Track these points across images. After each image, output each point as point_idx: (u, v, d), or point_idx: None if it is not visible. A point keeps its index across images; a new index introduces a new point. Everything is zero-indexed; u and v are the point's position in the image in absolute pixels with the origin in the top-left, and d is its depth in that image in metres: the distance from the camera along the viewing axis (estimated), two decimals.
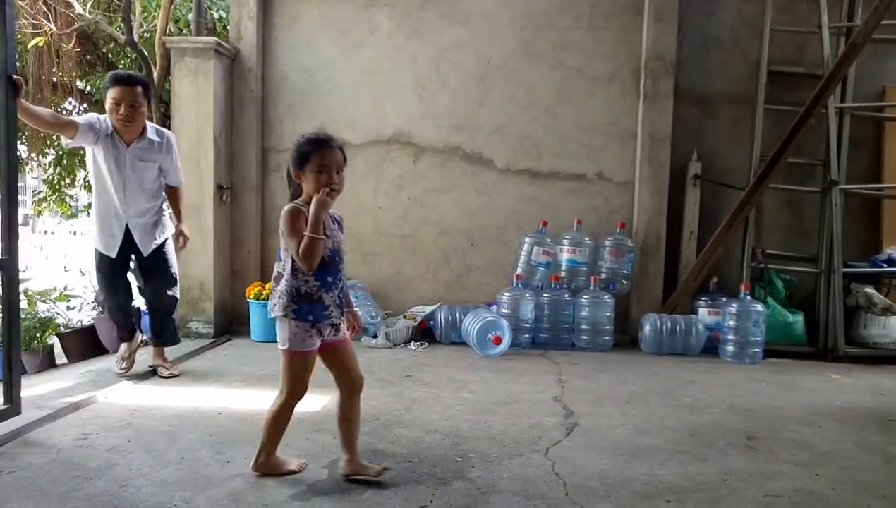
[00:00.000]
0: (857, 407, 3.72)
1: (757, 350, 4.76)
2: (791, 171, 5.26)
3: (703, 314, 5.03)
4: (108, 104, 3.64)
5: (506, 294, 5.03)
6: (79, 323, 5.54)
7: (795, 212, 5.47)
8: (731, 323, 4.79)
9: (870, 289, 5.09)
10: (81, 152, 7.27)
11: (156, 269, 3.98)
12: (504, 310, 5.02)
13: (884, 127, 5.42)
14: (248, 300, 5.07)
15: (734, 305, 4.79)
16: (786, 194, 5.38)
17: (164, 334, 4.09)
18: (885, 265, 5.11)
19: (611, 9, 5.35)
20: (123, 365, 4.00)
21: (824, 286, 5.17)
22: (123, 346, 4.06)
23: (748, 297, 4.83)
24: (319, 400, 3.50)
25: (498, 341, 4.61)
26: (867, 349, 5.00)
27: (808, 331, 5.14)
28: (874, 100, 5.42)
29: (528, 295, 5.00)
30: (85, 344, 5.30)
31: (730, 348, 4.80)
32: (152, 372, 4.03)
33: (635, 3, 5.32)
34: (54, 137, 6.94)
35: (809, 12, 5.27)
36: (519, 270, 5.16)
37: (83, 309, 5.73)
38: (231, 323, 5.36)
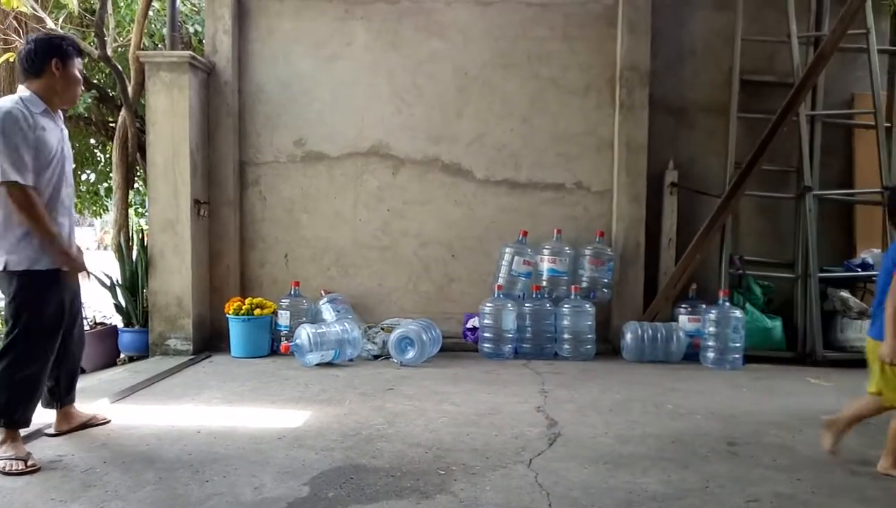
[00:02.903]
0: (836, 410, 3.72)
1: (737, 356, 4.80)
2: (765, 178, 5.34)
3: (684, 321, 5.06)
4: (67, 79, 2.87)
5: (487, 304, 5.03)
6: None
7: (771, 218, 5.55)
8: (711, 329, 4.83)
9: (845, 294, 5.16)
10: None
11: None
12: (486, 321, 5.02)
13: (854, 133, 5.53)
14: (227, 315, 5.01)
15: (714, 312, 4.83)
16: (761, 201, 5.45)
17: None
18: (859, 269, 5.20)
19: (585, 20, 5.41)
20: (31, 463, 2.72)
21: (801, 291, 5.25)
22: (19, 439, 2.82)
23: (727, 304, 4.88)
24: (300, 416, 3.46)
25: (286, 349, 4.65)
26: (845, 353, 5.06)
27: (787, 336, 5.19)
28: (843, 107, 5.54)
29: (509, 305, 5.00)
30: None
31: (710, 354, 4.84)
32: (132, 390, 3.95)
33: (609, 14, 5.38)
34: None
35: (779, 22, 5.38)
36: (500, 280, 5.16)
37: None
38: (210, 340, 5.29)
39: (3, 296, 2.96)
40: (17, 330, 2.78)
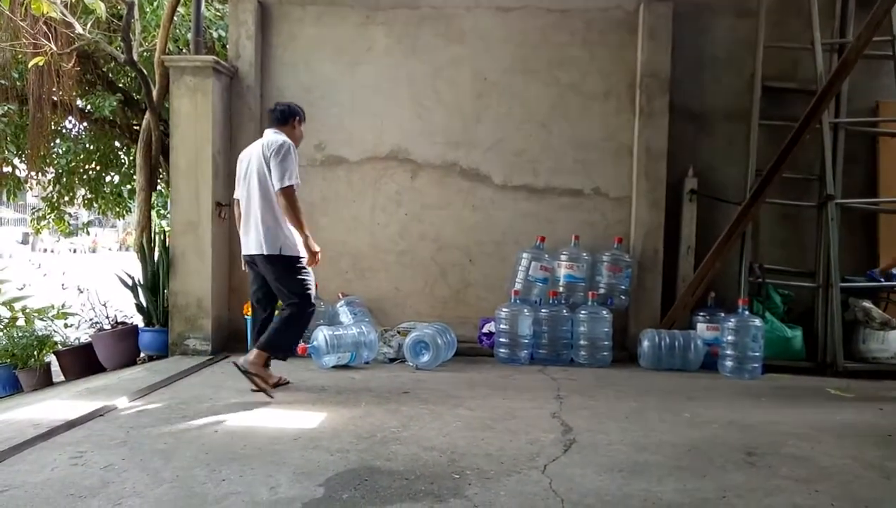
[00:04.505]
0: (856, 422, 3.70)
1: (756, 365, 4.75)
2: (787, 186, 5.28)
3: (702, 329, 5.02)
4: (299, 133, 4.13)
5: (504, 309, 5.03)
6: (76, 341, 5.54)
7: (792, 226, 5.48)
8: (730, 338, 4.78)
9: (868, 304, 5.09)
10: (80, 170, 7.36)
11: None
12: (502, 326, 5.02)
13: (878, 142, 5.45)
14: (245, 317, 5.06)
15: (732, 320, 4.78)
16: (782, 209, 5.39)
17: None
18: (882, 279, 5.12)
19: (605, 26, 5.41)
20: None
21: (822, 301, 5.17)
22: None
23: (746, 312, 4.82)
24: (316, 417, 3.49)
25: (303, 351, 4.68)
26: (866, 363, 4.99)
27: (807, 346, 5.13)
28: (867, 115, 5.46)
29: (526, 310, 4.99)
30: (82, 362, 5.30)
31: (728, 363, 4.79)
32: (151, 389, 4.02)
33: (630, 20, 5.37)
34: (53, 155, 6.99)
35: (802, 29, 5.33)
36: (517, 286, 5.16)
37: (81, 327, 5.73)
38: (228, 340, 5.35)
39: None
40: (299, 297, 3.91)
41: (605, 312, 5.03)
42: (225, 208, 5.30)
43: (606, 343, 5.01)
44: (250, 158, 3.99)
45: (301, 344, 4.81)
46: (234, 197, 4.15)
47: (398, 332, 5.16)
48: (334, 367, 4.69)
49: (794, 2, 5.38)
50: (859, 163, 5.44)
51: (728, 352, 4.79)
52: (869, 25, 4.72)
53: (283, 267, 3.92)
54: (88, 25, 5.71)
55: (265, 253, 3.89)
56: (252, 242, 3.96)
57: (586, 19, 5.42)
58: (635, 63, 5.34)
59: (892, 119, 5.24)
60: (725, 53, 5.48)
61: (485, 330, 5.30)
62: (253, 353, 3.90)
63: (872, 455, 3.10)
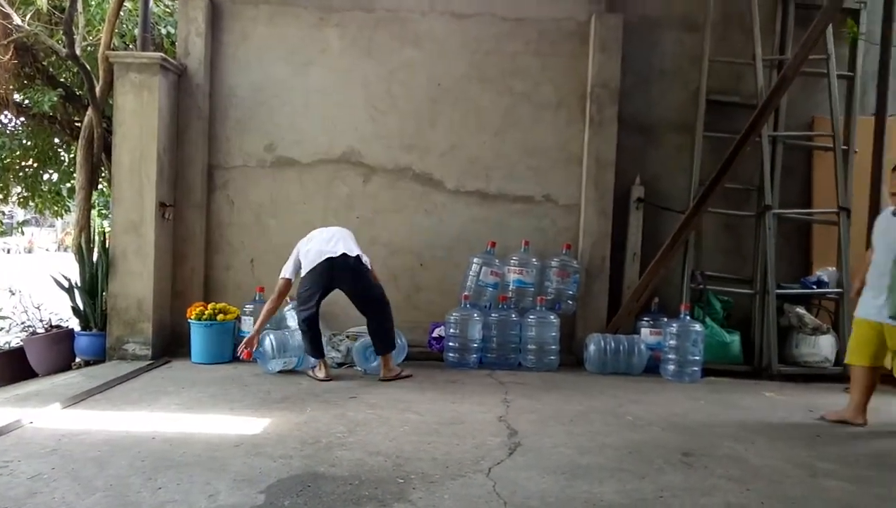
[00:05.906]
0: (788, 423, 3.86)
1: (696, 369, 4.89)
2: (728, 196, 5.46)
3: (646, 334, 5.14)
4: None
5: (454, 314, 5.04)
6: (7, 346, 5.29)
7: (733, 235, 5.67)
8: (672, 342, 4.91)
9: (801, 310, 5.30)
10: (16, 166, 7.06)
11: None
12: (452, 330, 5.03)
13: (813, 155, 5.69)
14: (188, 320, 4.93)
15: (675, 325, 4.92)
16: (723, 218, 5.57)
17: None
18: (815, 286, 5.35)
19: (558, 36, 5.50)
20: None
21: (759, 307, 5.37)
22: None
23: (688, 318, 4.97)
24: (259, 423, 3.43)
25: (248, 355, 4.70)
26: (799, 367, 5.20)
27: (745, 351, 5.31)
28: (804, 129, 5.70)
29: (476, 315, 5.02)
30: (13, 368, 5.07)
31: (670, 367, 4.92)
32: (86, 395, 3.87)
33: (581, 31, 5.48)
34: None
35: (745, 44, 5.53)
36: (467, 290, 5.19)
37: (12, 331, 5.48)
38: (170, 345, 5.20)
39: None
40: (384, 297, 4.61)
41: (552, 317, 5.10)
42: (169, 209, 5.16)
43: (554, 347, 5.08)
44: (331, 232, 4.64)
45: (246, 350, 4.72)
46: (286, 276, 4.59)
47: (347, 337, 5.11)
48: (280, 372, 4.61)
49: (738, 17, 5.59)
50: (796, 175, 5.67)
51: (670, 356, 4.92)
52: (805, 44, 4.95)
53: (368, 272, 4.59)
54: (28, 17, 5.49)
55: (360, 253, 4.54)
56: (351, 246, 4.54)
57: (539, 29, 5.50)
58: (586, 74, 5.45)
59: (826, 133, 5.48)
60: (673, 67, 5.64)
61: (434, 334, 5.30)
62: (386, 361, 4.56)
63: (801, 455, 3.23)
